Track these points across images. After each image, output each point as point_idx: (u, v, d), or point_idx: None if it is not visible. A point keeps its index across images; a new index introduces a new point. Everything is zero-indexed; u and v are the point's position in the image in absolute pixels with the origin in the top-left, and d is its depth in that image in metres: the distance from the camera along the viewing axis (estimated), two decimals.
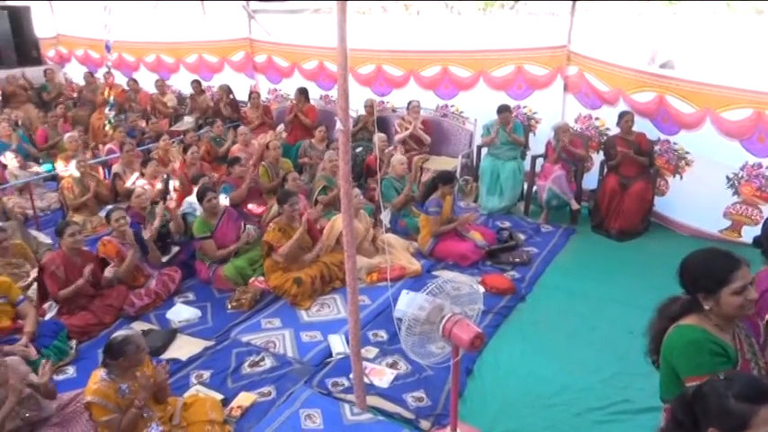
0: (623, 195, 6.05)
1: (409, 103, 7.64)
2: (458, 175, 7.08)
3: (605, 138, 6.55)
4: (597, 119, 6.78)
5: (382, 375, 3.87)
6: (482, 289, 4.79)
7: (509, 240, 5.78)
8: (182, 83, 10.32)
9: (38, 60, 10.88)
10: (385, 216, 6.10)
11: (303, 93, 8.42)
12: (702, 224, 5.95)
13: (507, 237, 5.85)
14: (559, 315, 4.65)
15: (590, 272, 5.38)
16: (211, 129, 8.14)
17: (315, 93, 8.82)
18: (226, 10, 10.37)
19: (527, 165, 6.86)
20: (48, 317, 4.48)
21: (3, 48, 10.29)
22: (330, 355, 4.14)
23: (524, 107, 7.30)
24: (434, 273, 5.29)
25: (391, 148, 7.45)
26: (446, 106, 7.91)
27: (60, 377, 3.98)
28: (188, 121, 9.24)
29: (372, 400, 3.60)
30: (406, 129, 7.50)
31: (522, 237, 6.01)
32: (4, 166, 7.51)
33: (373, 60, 8.22)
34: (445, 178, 5.65)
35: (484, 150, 7.16)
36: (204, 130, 8.50)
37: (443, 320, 3.02)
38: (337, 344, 4.22)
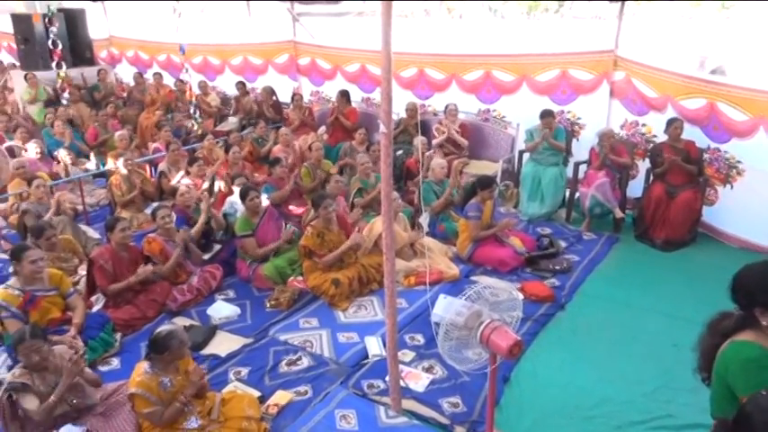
0: (670, 204, 5.88)
1: (446, 107, 7.62)
2: (498, 180, 7.01)
3: (652, 145, 6.39)
4: (644, 125, 6.62)
5: (418, 379, 3.85)
6: (521, 296, 4.73)
7: (549, 247, 5.70)
8: (227, 84, 10.53)
9: (91, 61, 11.24)
10: (424, 220, 6.09)
11: (344, 95, 8.49)
12: (754, 236, 5.73)
13: (548, 244, 5.77)
14: (600, 325, 4.56)
15: (633, 282, 5.25)
16: (254, 129, 8.28)
17: (356, 95, 8.87)
18: (271, 12, 10.54)
19: (569, 171, 6.75)
20: (95, 309, 4.63)
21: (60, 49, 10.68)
22: (366, 356, 4.15)
23: (568, 112, 7.18)
24: (473, 278, 5.25)
25: (430, 152, 7.44)
26: (488, 110, 7.85)
27: (105, 368, 4.10)
28: (232, 121, 9.42)
29: (408, 404, 3.60)
30: (443, 133, 7.49)
31: (562, 244, 5.91)
32: (58, 163, 7.79)
33: (415, 63, 8.23)
34: (485, 183, 5.58)
35: (525, 155, 7.07)
36: (247, 130, 8.65)
37: (481, 327, 3.00)
38: (374, 346, 4.23)
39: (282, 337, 4.41)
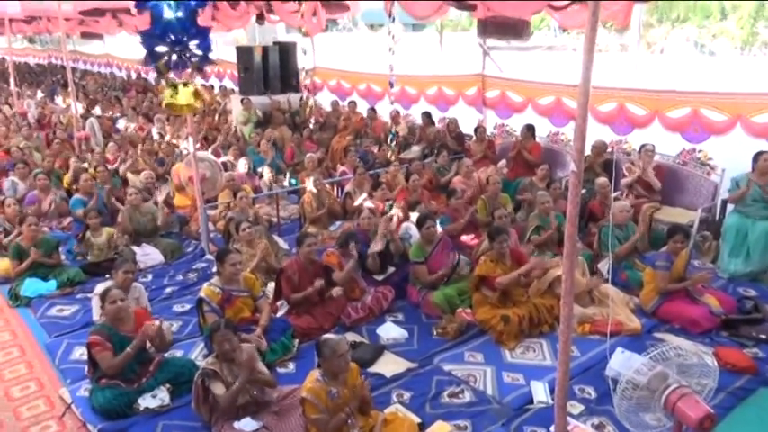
0: None
1: (642, 147, 7.14)
2: (695, 230, 6.36)
3: None
4: None
5: None
6: (715, 363, 4.20)
7: (754, 312, 5.02)
8: (419, 114, 10.93)
9: (296, 89, 12.46)
10: (603, 266, 5.72)
11: (530, 129, 8.39)
12: None
13: (751, 307, 5.08)
14: None
15: None
16: (436, 159, 8.48)
17: (546, 129, 8.69)
18: (461, 46, 10.83)
19: None
20: (278, 314, 5.04)
21: (272, 77, 12.03)
22: (531, 401, 3.99)
23: None
24: (656, 335, 4.81)
25: (617, 193, 7.00)
26: (693, 150, 7.20)
27: (282, 370, 4.43)
28: (415, 150, 9.76)
29: None
30: (635, 173, 7.02)
31: None
32: (261, 178, 8.70)
33: (614, 98, 7.86)
34: (679, 232, 5.14)
35: (729, 206, 6.34)
36: (429, 159, 8.89)
37: (667, 391, 2.74)
38: (540, 391, 4.05)
39: (447, 367, 4.40)
